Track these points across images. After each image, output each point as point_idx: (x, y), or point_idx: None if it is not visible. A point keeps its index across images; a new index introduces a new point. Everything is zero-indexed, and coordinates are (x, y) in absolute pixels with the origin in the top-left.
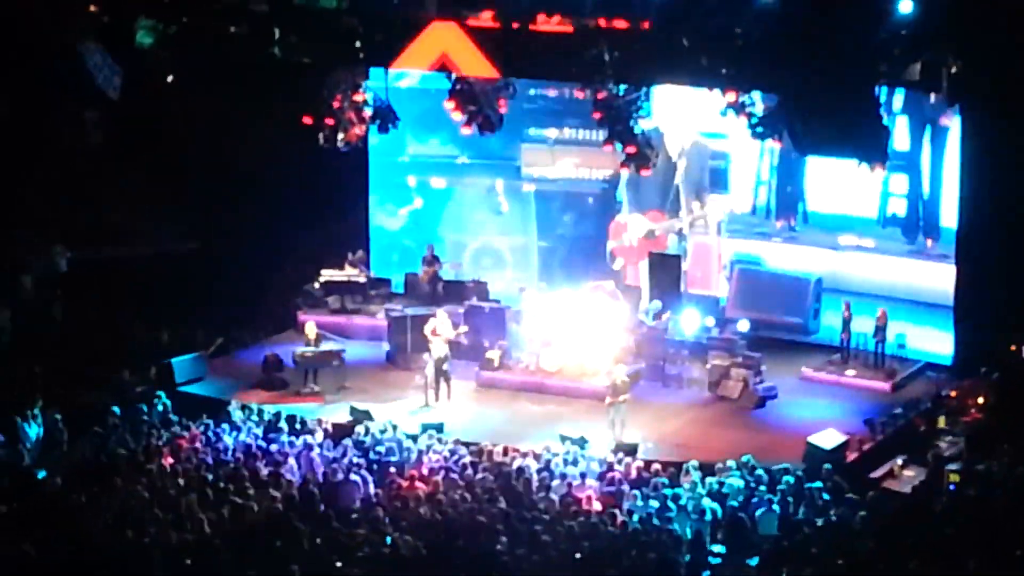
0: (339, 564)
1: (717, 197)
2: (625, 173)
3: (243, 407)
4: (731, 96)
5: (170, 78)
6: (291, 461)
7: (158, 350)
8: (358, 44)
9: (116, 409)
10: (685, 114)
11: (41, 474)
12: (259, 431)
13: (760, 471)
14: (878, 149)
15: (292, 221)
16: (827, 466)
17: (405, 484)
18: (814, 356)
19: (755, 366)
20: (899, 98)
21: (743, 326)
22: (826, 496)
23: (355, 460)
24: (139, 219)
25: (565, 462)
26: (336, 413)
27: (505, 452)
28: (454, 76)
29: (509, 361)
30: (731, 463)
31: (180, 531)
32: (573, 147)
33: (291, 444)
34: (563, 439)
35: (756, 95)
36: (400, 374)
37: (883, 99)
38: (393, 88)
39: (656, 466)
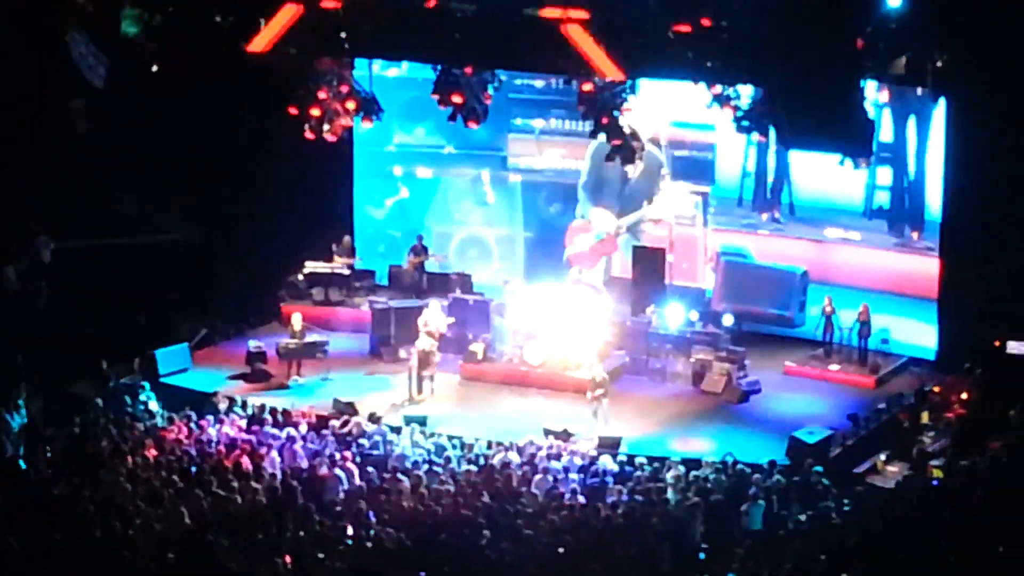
0: (322, 556)
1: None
2: (584, 173)
3: (226, 399)
4: (717, 89)
5: (155, 68)
6: (274, 453)
7: (141, 341)
8: (343, 35)
9: (99, 400)
10: (645, 117)
11: (23, 465)
12: (243, 423)
13: (743, 466)
14: (863, 144)
15: (277, 212)
16: (810, 461)
17: (388, 477)
18: (798, 350)
19: (739, 360)
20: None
21: (727, 320)
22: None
23: (338, 453)
24: (123, 210)
25: (548, 456)
26: (319, 405)
27: (489, 446)
28: (439, 66)
29: (493, 354)
30: (714, 457)
31: (163, 523)
32: (560, 138)
33: (274, 436)
34: (546, 433)
35: (742, 88)
36: (384, 366)
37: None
38: (378, 77)
39: (639, 460)
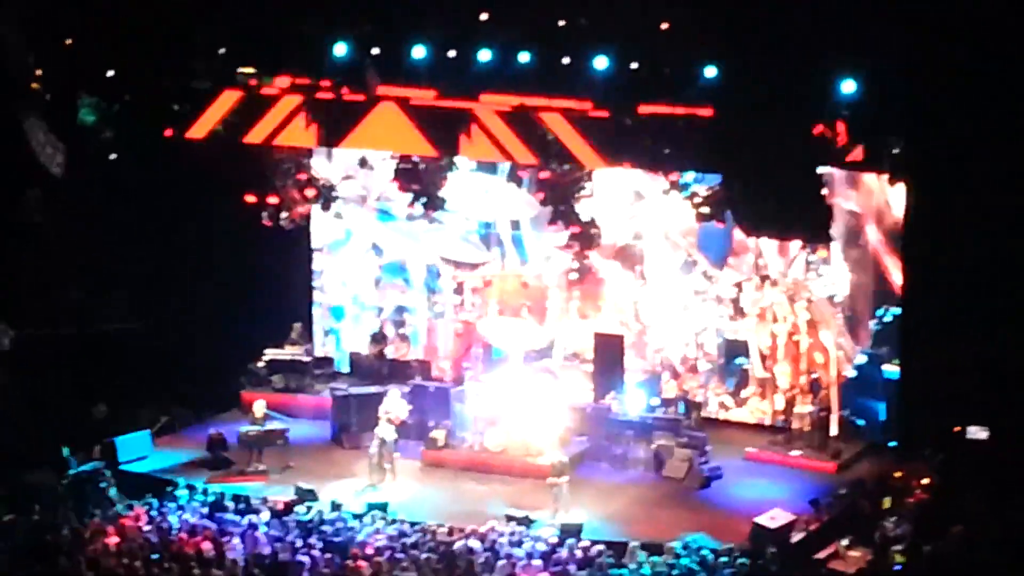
0: None
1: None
2: None
3: (188, 486)
4: (674, 176)
5: (113, 156)
6: (236, 541)
7: (102, 429)
8: (302, 124)
9: (60, 488)
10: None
11: None
12: (204, 510)
13: (706, 552)
14: (822, 229)
15: (236, 299)
16: (771, 547)
17: (350, 563)
18: (759, 436)
19: (700, 446)
20: None
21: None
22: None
23: (300, 540)
24: (83, 298)
25: (510, 542)
26: (281, 492)
27: (450, 532)
28: (398, 155)
29: (454, 440)
30: (676, 544)
31: None
32: None
33: (236, 523)
34: (508, 519)
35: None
36: (345, 453)
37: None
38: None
39: (601, 546)
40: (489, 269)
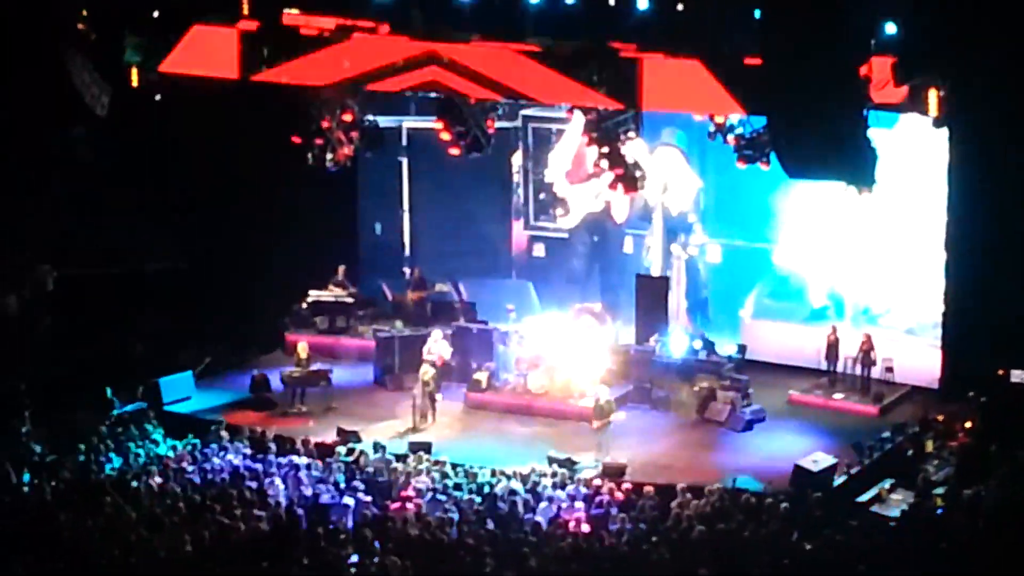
0: None
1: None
2: None
3: (230, 427)
4: (719, 119)
5: (158, 96)
6: (278, 481)
7: (146, 369)
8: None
9: (103, 428)
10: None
11: (28, 493)
12: (247, 451)
13: (747, 494)
14: (867, 173)
15: (281, 241)
16: (814, 490)
17: (393, 505)
18: (801, 379)
19: (742, 389)
20: None
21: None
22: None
23: (342, 480)
24: (127, 237)
25: (553, 484)
26: (324, 434)
27: (492, 474)
28: (443, 96)
29: (496, 383)
30: (718, 486)
31: (167, 551)
32: None
33: (278, 464)
34: (550, 461)
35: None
36: (388, 395)
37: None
38: None
39: (644, 489)
40: None
